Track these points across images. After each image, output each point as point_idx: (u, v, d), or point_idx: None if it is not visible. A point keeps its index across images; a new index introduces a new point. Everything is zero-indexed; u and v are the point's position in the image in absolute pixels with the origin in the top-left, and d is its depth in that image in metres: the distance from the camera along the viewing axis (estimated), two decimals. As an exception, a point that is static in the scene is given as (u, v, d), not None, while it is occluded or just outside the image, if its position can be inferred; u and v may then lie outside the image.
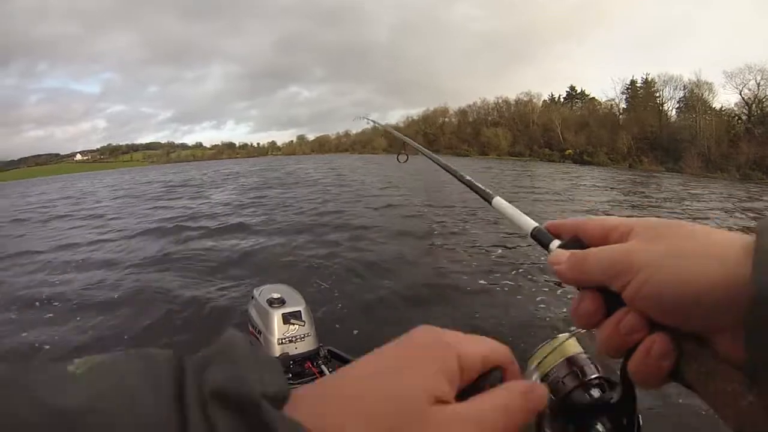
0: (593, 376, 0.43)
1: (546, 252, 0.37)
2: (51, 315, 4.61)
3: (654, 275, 0.27)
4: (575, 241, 0.35)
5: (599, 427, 0.40)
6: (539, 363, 0.46)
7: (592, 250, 0.32)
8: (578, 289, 0.33)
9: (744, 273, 0.24)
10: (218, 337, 0.20)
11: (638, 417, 0.37)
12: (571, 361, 0.45)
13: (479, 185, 0.58)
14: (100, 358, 0.16)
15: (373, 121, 2.22)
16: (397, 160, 1.37)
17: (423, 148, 1.11)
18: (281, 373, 0.20)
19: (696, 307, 0.26)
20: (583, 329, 0.32)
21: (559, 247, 0.36)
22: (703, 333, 0.27)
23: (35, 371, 0.15)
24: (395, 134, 1.45)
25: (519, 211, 0.45)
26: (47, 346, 3.87)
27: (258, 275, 5.56)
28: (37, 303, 4.99)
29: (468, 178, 0.62)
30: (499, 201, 0.51)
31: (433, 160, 0.94)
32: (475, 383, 0.26)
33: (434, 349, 0.25)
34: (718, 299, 0.25)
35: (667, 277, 0.27)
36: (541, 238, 0.38)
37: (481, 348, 0.27)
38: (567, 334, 0.46)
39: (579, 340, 0.45)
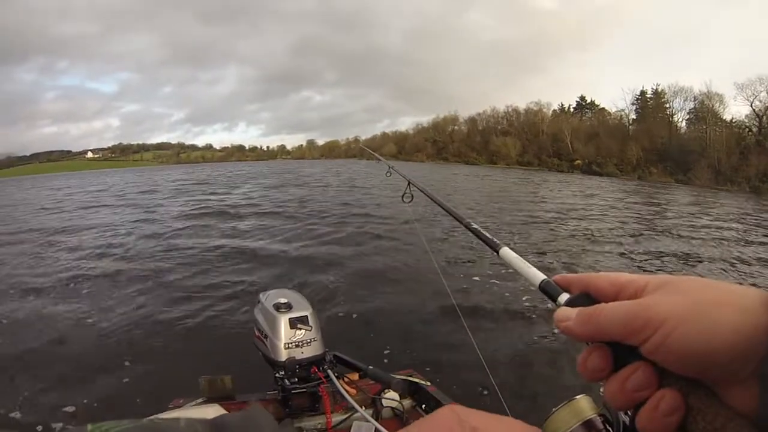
0: None
1: (554, 305, 0.37)
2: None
3: (678, 327, 0.27)
4: (584, 297, 0.35)
5: None
6: (555, 427, 0.46)
7: (606, 305, 0.31)
8: (587, 344, 0.33)
9: (764, 323, 0.24)
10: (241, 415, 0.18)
11: None
12: (587, 425, 0.47)
13: (487, 234, 0.58)
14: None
15: (382, 159, 2.31)
16: (402, 200, 1.38)
17: (429, 192, 1.13)
18: None
19: (719, 357, 0.26)
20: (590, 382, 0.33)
21: (567, 302, 0.36)
22: (716, 384, 0.27)
23: None
24: (402, 175, 1.51)
25: (527, 263, 0.46)
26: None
27: (264, 280, 5.72)
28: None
29: (475, 226, 0.62)
30: (506, 252, 0.51)
31: (438, 204, 0.95)
32: None
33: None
34: (741, 349, 0.25)
35: (692, 327, 0.26)
36: (549, 291, 0.39)
37: (505, 428, 0.27)
38: (582, 395, 0.47)
39: (595, 401, 0.53)
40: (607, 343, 0.31)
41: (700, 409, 0.27)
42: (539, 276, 0.41)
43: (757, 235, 10.64)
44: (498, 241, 0.54)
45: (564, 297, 0.37)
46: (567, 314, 0.33)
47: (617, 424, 0.44)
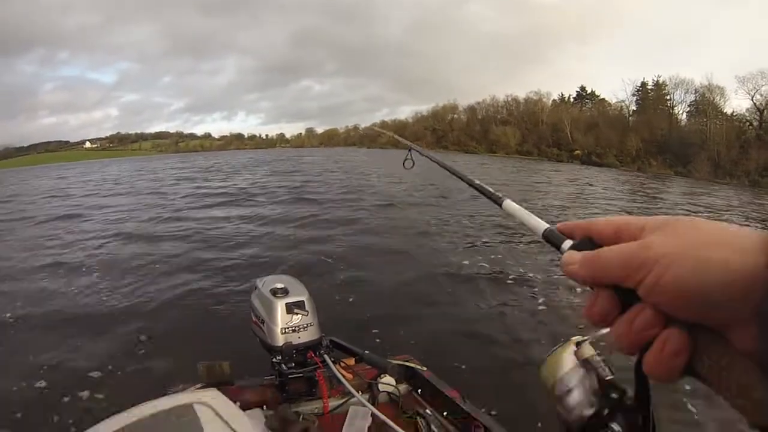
0: (608, 378, 0.46)
1: (558, 252, 0.38)
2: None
3: (672, 266, 0.27)
4: (587, 242, 0.35)
5: (615, 427, 0.43)
6: (554, 366, 0.48)
7: (606, 248, 0.32)
8: (591, 289, 0.33)
9: (763, 262, 0.24)
10: None
11: (653, 416, 0.38)
12: (585, 363, 0.47)
13: (489, 188, 0.59)
14: None
15: (378, 129, 2.28)
16: (404, 166, 1.38)
17: (430, 153, 1.13)
18: None
19: (715, 298, 0.25)
20: (597, 328, 0.33)
21: (572, 247, 0.36)
22: (718, 326, 0.27)
23: None
24: (400, 140, 1.52)
25: (530, 213, 0.46)
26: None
27: (261, 266, 5.78)
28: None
29: (477, 182, 0.63)
30: (509, 204, 0.52)
31: (440, 165, 0.95)
32: None
33: None
34: (738, 289, 0.25)
35: (686, 267, 0.26)
36: (553, 239, 0.39)
37: None
38: (579, 337, 0.49)
39: (592, 343, 0.49)
40: (611, 287, 0.31)
41: (706, 348, 0.27)
42: (542, 225, 0.42)
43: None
44: (500, 195, 0.55)
45: (567, 243, 0.37)
46: (572, 258, 0.34)
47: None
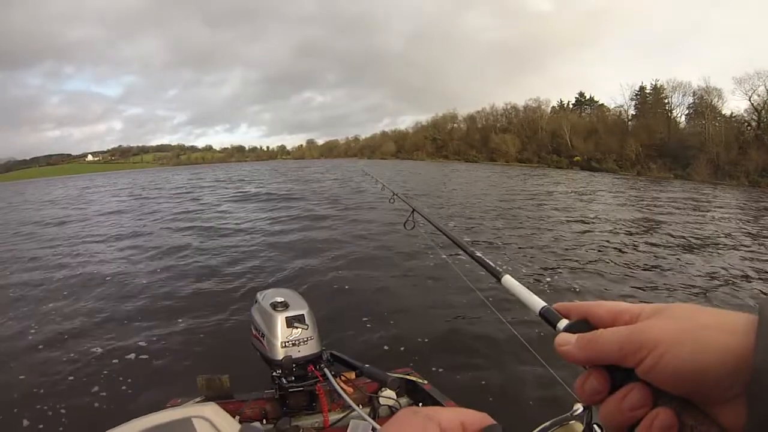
0: None
1: (554, 331, 0.38)
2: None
3: (670, 349, 0.28)
4: (583, 323, 0.36)
5: None
6: None
7: (604, 330, 0.33)
8: (584, 368, 0.34)
9: (751, 344, 0.26)
10: None
11: None
12: None
13: (489, 262, 0.61)
14: None
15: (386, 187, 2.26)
16: (404, 227, 1.40)
17: (432, 219, 1.16)
18: None
19: (708, 376, 0.27)
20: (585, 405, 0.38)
21: (566, 328, 0.37)
22: (706, 404, 0.28)
23: None
24: (406, 203, 1.52)
25: (528, 291, 0.48)
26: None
27: (261, 278, 5.77)
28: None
29: (478, 254, 0.66)
30: (508, 279, 0.53)
31: (442, 232, 0.97)
32: None
33: (416, 423, 0.30)
34: (729, 369, 0.26)
35: (684, 348, 0.28)
36: (549, 318, 0.40)
37: (459, 415, 0.31)
38: (573, 422, 0.52)
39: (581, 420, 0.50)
40: (604, 367, 0.33)
41: (693, 426, 0.28)
42: (540, 303, 0.43)
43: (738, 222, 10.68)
44: (500, 269, 0.56)
45: (563, 323, 0.38)
46: (567, 339, 0.35)
47: None
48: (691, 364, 0.28)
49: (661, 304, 0.33)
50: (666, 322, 0.30)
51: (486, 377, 3.28)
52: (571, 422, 0.49)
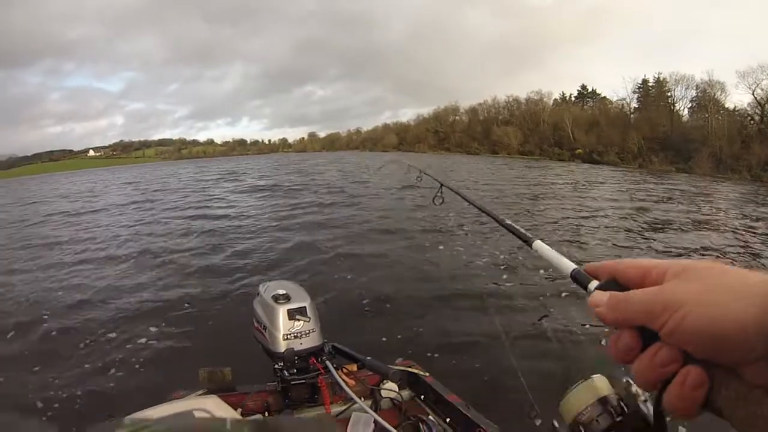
0: (622, 416, 0.48)
1: (585, 292, 0.40)
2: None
3: (691, 312, 0.29)
4: (613, 283, 0.37)
5: None
6: (573, 403, 0.50)
7: (632, 292, 0.34)
8: (615, 328, 0.35)
9: None
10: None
11: None
12: (603, 401, 0.49)
13: (520, 229, 0.60)
14: None
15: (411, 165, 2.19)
16: (433, 202, 1.39)
17: (460, 191, 1.16)
18: None
19: (730, 342, 0.27)
20: (620, 364, 0.35)
21: (598, 288, 0.38)
22: (732, 363, 0.29)
23: None
24: (432, 177, 1.51)
25: (559, 254, 0.49)
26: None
27: (263, 271, 5.78)
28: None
29: (508, 222, 0.64)
30: (539, 244, 0.53)
31: (470, 203, 0.97)
32: None
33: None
34: (751, 334, 0.26)
35: (704, 313, 0.28)
36: (580, 280, 0.41)
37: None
38: (598, 375, 0.51)
39: (609, 379, 0.50)
40: (635, 327, 0.33)
41: (722, 382, 0.29)
42: (570, 266, 0.43)
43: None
44: (530, 235, 0.55)
45: (594, 284, 0.39)
46: (599, 299, 0.36)
47: (633, 405, 0.45)
48: (710, 328, 0.28)
49: (688, 262, 0.33)
50: (689, 284, 0.31)
51: (489, 371, 3.28)
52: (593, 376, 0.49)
